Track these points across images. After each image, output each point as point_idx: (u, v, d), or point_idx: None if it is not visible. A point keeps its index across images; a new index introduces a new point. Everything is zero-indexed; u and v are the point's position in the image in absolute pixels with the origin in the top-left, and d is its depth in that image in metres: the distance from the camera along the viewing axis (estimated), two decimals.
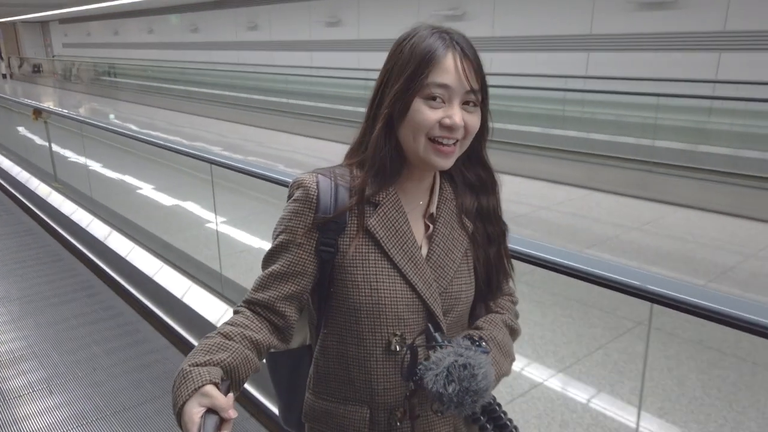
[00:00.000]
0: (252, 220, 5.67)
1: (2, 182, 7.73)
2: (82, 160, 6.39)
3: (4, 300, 4.30)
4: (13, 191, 7.33)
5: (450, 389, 0.98)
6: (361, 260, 1.12)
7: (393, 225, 1.14)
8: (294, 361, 1.30)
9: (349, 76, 11.29)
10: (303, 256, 1.13)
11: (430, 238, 1.18)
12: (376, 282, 1.12)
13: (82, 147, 6.35)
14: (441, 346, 1.05)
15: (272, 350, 1.26)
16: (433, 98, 1.06)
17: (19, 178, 7.31)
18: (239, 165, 3.29)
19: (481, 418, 1.14)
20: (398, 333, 1.12)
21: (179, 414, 0.95)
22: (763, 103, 6.59)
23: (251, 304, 1.15)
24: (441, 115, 1.06)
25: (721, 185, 6.38)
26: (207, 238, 4.69)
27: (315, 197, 1.13)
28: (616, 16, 8.47)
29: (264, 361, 1.21)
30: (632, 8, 8.26)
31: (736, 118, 7.02)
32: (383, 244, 1.12)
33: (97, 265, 4.86)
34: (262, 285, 1.15)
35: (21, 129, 9.02)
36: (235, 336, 1.08)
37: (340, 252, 1.13)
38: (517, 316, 1.32)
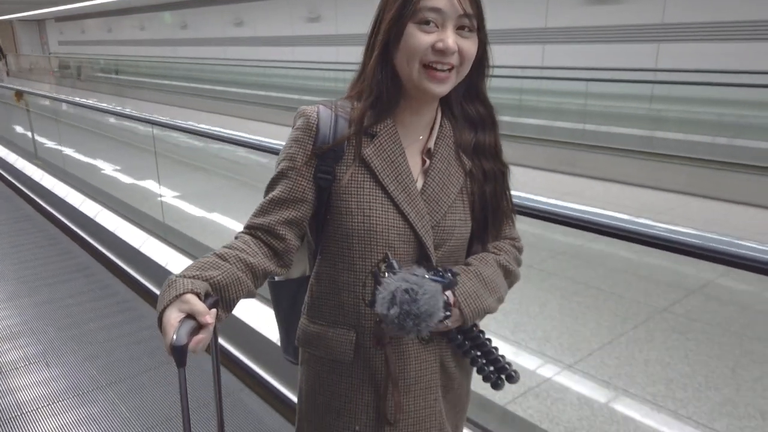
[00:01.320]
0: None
1: (1, 171, 7.66)
2: (57, 139, 7.44)
3: (0, 280, 4.26)
4: (10, 179, 7.27)
5: (391, 312, 1.01)
6: (356, 188, 1.13)
7: (389, 155, 1.14)
8: (293, 290, 1.33)
9: (329, 68, 12.22)
10: (302, 183, 1.15)
11: (426, 173, 1.18)
12: (369, 210, 1.13)
13: (57, 130, 7.38)
14: (394, 273, 1.07)
15: (275, 278, 1.33)
16: (426, 22, 1.06)
17: (16, 165, 7.27)
18: (181, 124, 3.54)
19: (458, 337, 1.18)
20: (386, 260, 1.13)
21: (160, 319, 0.97)
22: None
23: (251, 229, 1.17)
24: (434, 39, 1.06)
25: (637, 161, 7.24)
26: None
27: (315, 126, 1.15)
28: (570, 10, 9.15)
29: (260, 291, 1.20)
30: (583, 2, 8.94)
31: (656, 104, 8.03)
32: (378, 174, 1.13)
33: (94, 247, 4.83)
34: (262, 210, 1.17)
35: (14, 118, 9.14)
36: (230, 257, 1.09)
37: (337, 180, 1.14)
38: (518, 261, 1.30)
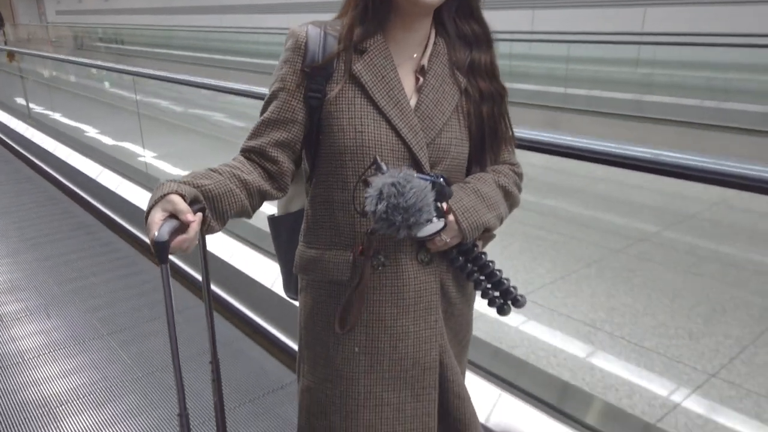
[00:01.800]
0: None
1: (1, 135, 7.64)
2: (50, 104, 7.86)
3: (2, 237, 4.27)
4: (9, 142, 7.25)
5: (379, 207, 1.00)
6: (346, 104, 1.11)
7: (379, 71, 1.11)
8: (291, 223, 1.32)
9: None
10: (293, 103, 1.13)
11: (419, 90, 1.15)
12: (361, 125, 1.10)
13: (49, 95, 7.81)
14: (382, 173, 1.05)
15: (274, 215, 1.35)
16: None
17: (13, 127, 7.25)
18: (160, 74, 3.95)
19: (459, 258, 1.16)
20: (376, 163, 1.10)
21: (146, 220, 0.97)
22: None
23: (245, 152, 1.16)
24: None
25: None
26: None
27: (304, 44, 1.12)
28: None
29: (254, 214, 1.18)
30: None
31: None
32: (368, 89, 1.10)
33: (94, 206, 4.82)
34: (255, 133, 1.16)
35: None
36: (224, 172, 1.09)
37: (327, 98, 1.11)
38: (518, 185, 1.27)
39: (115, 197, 4.53)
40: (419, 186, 1.01)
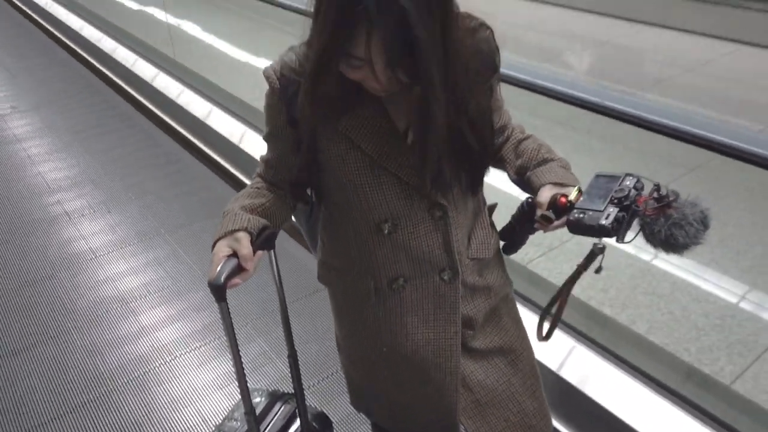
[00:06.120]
0: None
1: (37, 18, 7.54)
2: None
3: (52, 128, 4.47)
4: (46, 25, 7.17)
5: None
6: (339, 160, 1.07)
7: (366, 122, 1.05)
8: (307, 214, 1.32)
9: None
10: (285, 153, 1.14)
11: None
12: (359, 180, 1.07)
13: None
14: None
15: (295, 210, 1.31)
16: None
17: (51, 10, 7.16)
18: None
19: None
20: (388, 219, 1.10)
21: (213, 246, 1.06)
22: None
23: (260, 178, 1.21)
24: (361, 77, 0.94)
25: None
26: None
27: (279, 93, 1.08)
28: None
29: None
30: None
31: None
32: (359, 144, 1.05)
33: (135, 98, 4.93)
34: (265, 165, 1.20)
35: None
36: (264, 194, 1.17)
37: (321, 152, 1.09)
38: (544, 145, 1.19)
39: (151, 88, 4.65)
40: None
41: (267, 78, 1.09)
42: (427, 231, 1.12)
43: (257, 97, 1.19)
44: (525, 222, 1.15)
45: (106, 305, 2.65)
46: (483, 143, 1.07)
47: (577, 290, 1.13)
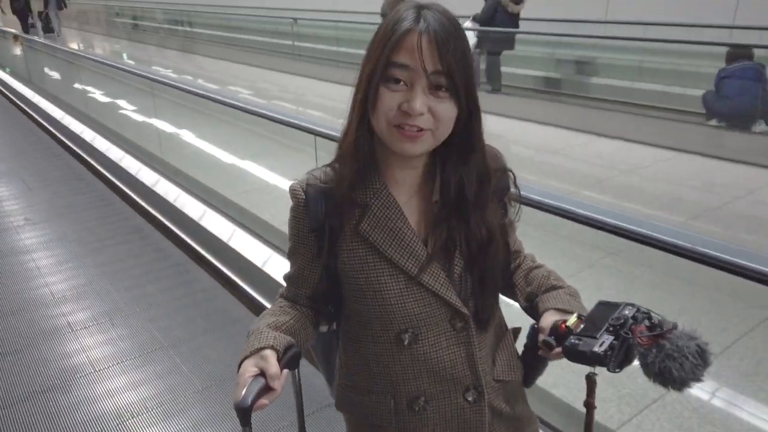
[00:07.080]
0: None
1: (49, 128, 7.87)
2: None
3: (62, 240, 4.52)
4: (59, 135, 7.47)
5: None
6: (360, 264, 1.08)
7: (386, 224, 1.06)
8: (324, 344, 1.32)
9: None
10: (308, 264, 1.16)
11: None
12: (379, 285, 1.07)
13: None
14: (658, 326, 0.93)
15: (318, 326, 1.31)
16: (396, 81, 0.96)
17: (65, 123, 7.47)
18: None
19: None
20: (409, 329, 1.09)
21: (239, 365, 1.03)
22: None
23: (283, 298, 1.23)
24: (400, 99, 0.96)
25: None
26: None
27: (303, 204, 1.10)
28: None
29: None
30: None
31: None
32: (379, 247, 1.06)
33: (146, 210, 5.03)
34: (288, 283, 1.22)
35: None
36: (288, 312, 1.18)
37: (340, 258, 1.10)
38: (555, 274, 1.21)
39: (167, 203, 4.74)
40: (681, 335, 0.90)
41: (293, 192, 1.12)
42: (449, 343, 1.09)
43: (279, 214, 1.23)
44: (532, 349, 1.13)
45: (103, 422, 2.55)
46: (497, 260, 1.09)
47: None
